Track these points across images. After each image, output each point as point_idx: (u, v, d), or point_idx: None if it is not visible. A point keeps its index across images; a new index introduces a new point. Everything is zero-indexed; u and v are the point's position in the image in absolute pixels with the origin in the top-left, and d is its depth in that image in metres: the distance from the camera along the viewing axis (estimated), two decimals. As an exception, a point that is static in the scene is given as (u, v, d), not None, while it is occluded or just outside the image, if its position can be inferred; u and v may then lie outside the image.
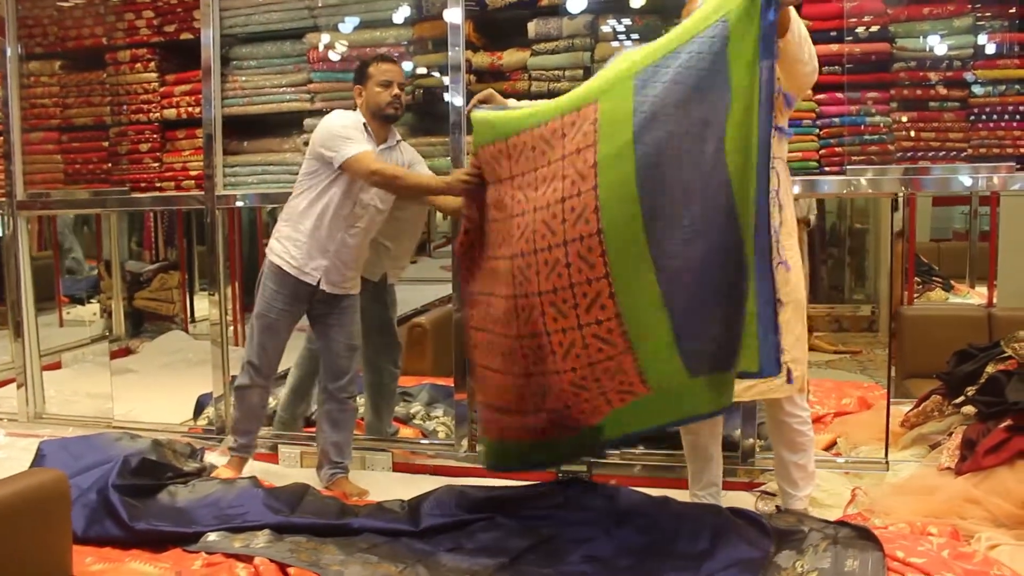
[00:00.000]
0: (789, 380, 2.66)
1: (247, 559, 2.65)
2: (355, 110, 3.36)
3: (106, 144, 4.33)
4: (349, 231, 3.33)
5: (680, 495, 3.02)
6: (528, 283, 2.54)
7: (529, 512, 2.91)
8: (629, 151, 2.28)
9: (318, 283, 3.34)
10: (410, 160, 3.47)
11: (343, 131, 3.23)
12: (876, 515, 2.88)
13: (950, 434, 3.32)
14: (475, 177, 2.87)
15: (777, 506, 3.00)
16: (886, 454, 3.42)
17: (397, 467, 3.77)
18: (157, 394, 4.80)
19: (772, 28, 2.15)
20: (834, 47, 3.31)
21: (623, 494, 2.97)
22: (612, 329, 2.37)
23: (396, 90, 3.30)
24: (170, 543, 2.81)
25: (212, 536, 2.81)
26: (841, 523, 2.71)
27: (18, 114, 4.48)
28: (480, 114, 2.85)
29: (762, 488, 3.26)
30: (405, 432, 4.07)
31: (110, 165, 4.32)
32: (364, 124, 3.31)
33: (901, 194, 3.66)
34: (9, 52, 4.46)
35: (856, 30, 3.34)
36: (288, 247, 3.34)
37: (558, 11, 3.58)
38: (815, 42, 2.61)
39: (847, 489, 3.20)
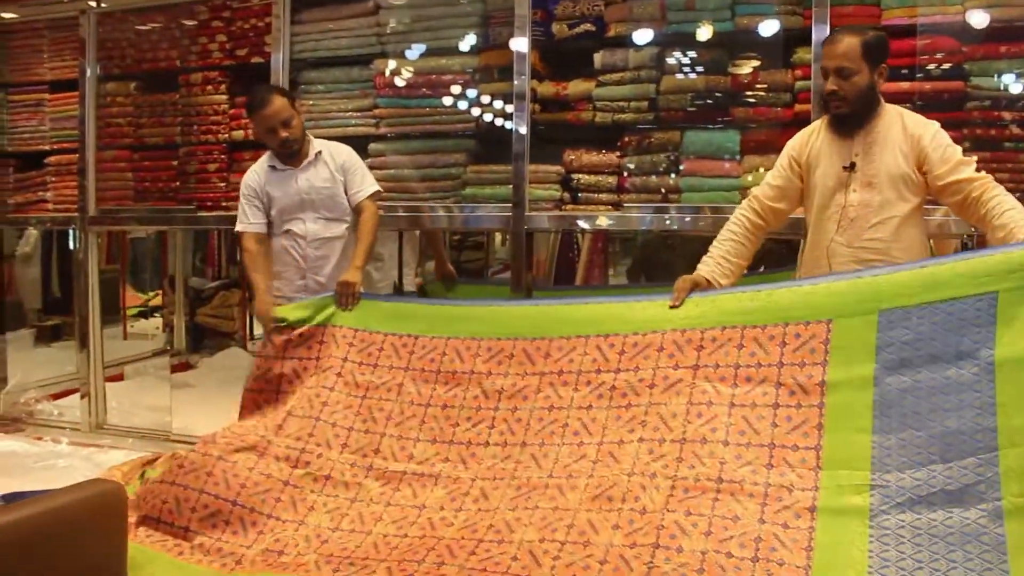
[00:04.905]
0: None
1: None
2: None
3: (175, 163, 4.43)
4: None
5: None
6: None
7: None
8: (868, 384, 2.27)
9: None
10: (342, 165, 3.39)
11: (242, 195, 3.40)
12: None
13: None
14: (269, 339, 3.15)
15: None
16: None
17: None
18: (215, 409, 4.82)
19: None
20: (905, 85, 3.24)
21: None
22: (798, 539, 2.12)
23: (282, 132, 3.26)
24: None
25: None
26: None
27: (94, 132, 4.64)
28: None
29: None
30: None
31: (178, 184, 4.42)
32: (271, 166, 3.38)
33: (972, 237, 3.54)
34: (88, 73, 4.63)
35: (928, 67, 3.26)
36: None
37: (624, 43, 3.58)
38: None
39: None
